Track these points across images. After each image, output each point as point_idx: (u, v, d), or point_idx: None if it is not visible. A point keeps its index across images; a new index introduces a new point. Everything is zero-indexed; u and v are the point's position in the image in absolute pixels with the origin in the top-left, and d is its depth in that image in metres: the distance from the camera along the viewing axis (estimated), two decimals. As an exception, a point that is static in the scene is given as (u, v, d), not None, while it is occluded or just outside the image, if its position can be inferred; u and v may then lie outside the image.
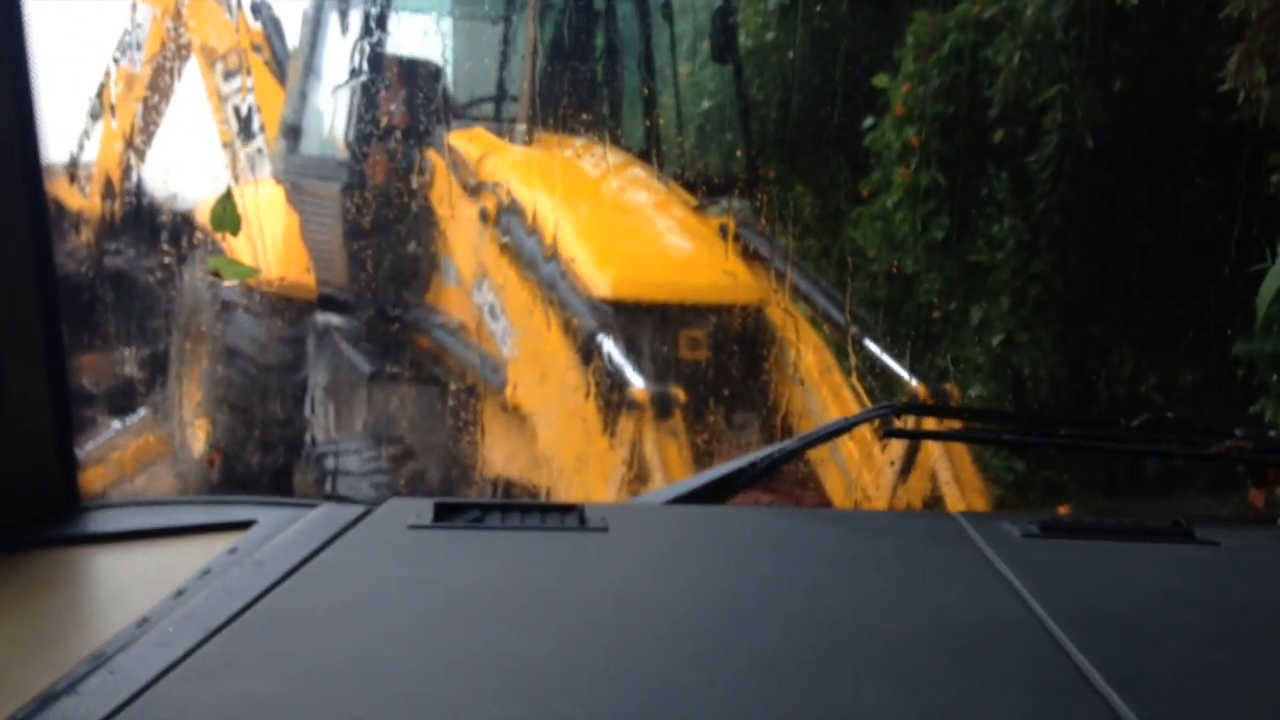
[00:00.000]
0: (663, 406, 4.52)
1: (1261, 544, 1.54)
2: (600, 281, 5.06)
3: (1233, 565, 1.38)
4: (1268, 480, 1.69)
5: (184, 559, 1.26)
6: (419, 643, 1.00)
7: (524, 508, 1.42)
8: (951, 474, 4.62)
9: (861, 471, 4.73)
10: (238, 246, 5.74)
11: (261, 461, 6.10)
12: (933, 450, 4.59)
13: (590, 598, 1.14)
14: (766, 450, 1.59)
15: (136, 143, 6.22)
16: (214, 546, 1.30)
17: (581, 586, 1.17)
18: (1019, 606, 1.14)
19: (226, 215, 2.15)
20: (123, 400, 6.17)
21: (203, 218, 5.83)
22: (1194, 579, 1.30)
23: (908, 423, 1.93)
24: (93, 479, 5.25)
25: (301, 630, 1.03)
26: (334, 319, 6.27)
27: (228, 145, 6.67)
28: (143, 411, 6.33)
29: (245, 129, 6.61)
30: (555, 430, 4.98)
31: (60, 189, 5.89)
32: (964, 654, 1.01)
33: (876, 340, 5.40)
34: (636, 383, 4.64)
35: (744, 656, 1.00)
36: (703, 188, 6.28)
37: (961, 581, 1.23)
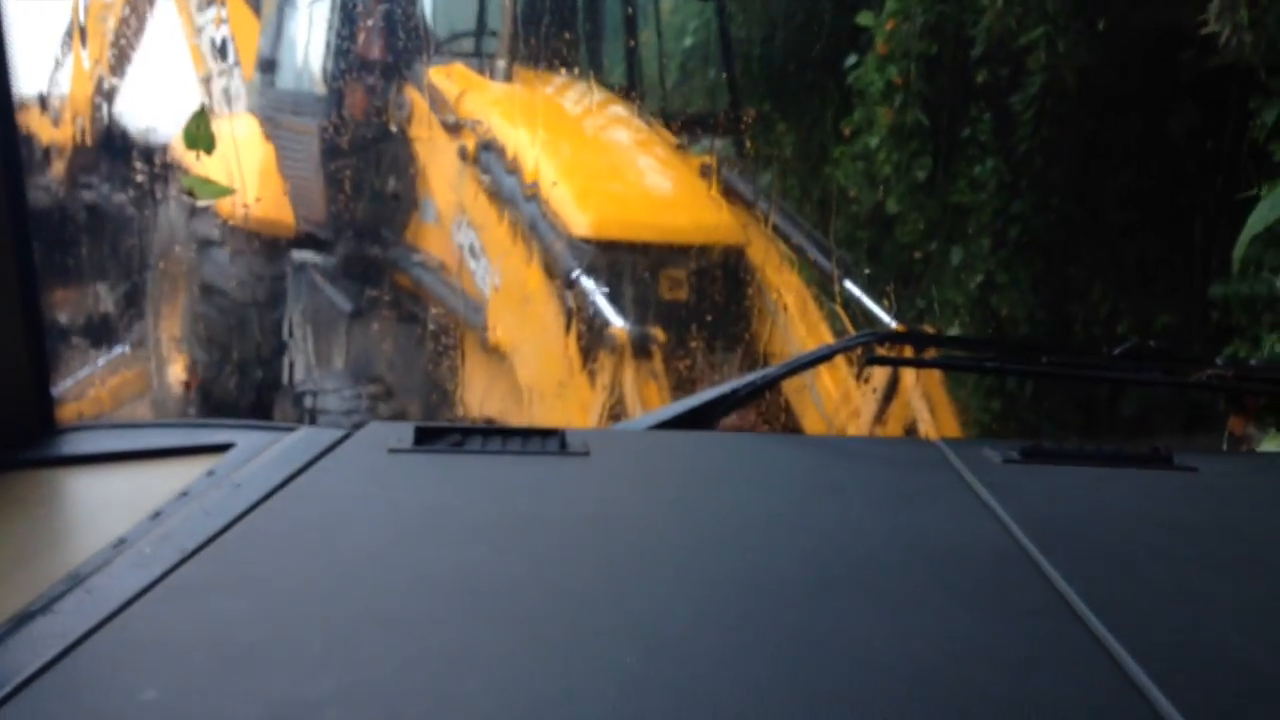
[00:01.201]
0: (642, 347, 4.52)
1: (1239, 470, 1.55)
2: (581, 221, 5.02)
3: (1211, 491, 1.39)
4: (1247, 408, 1.70)
5: (161, 481, 1.25)
6: (398, 564, 1.00)
7: (505, 432, 1.41)
8: (930, 416, 4.64)
9: (839, 411, 4.74)
10: (213, 174, 5.67)
11: (240, 400, 6.08)
12: (909, 384, 4.60)
13: (570, 521, 1.13)
14: (750, 376, 1.58)
15: (110, 74, 6.12)
16: (192, 469, 1.29)
17: (561, 510, 1.17)
18: (999, 531, 1.14)
19: (200, 134, 2.11)
20: (99, 337, 6.13)
21: (178, 152, 5.75)
22: (1172, 504, 1.31)
23: (890, 351, 1.93)
24: (70, 416, 5.22)
25: (280, 551, 1.02)
26: (312, 256, 6.22)
27: (203, 78, 6.56)
28: (118, 349, 6.29)
29: (220, 61, 6.51)
30: (535, 371, 4.97)
31: (32, 120, 5.79)
32: (944, 577, 1.02)
33: (857, 281, 5.40)
34: (617, 323, 4.63)
35: (725, 579, 1.00)
36: (685, 127, 6.23)
37: (942, 506, 1.23)
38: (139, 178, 5.95)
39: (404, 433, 1.38)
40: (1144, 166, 6.14)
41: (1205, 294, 5.54)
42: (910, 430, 4.55)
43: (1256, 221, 4.69)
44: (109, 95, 6.04)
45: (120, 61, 6.20)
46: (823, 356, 1.76)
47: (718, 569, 1.03)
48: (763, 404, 4.56)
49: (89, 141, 5.97)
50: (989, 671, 0.83)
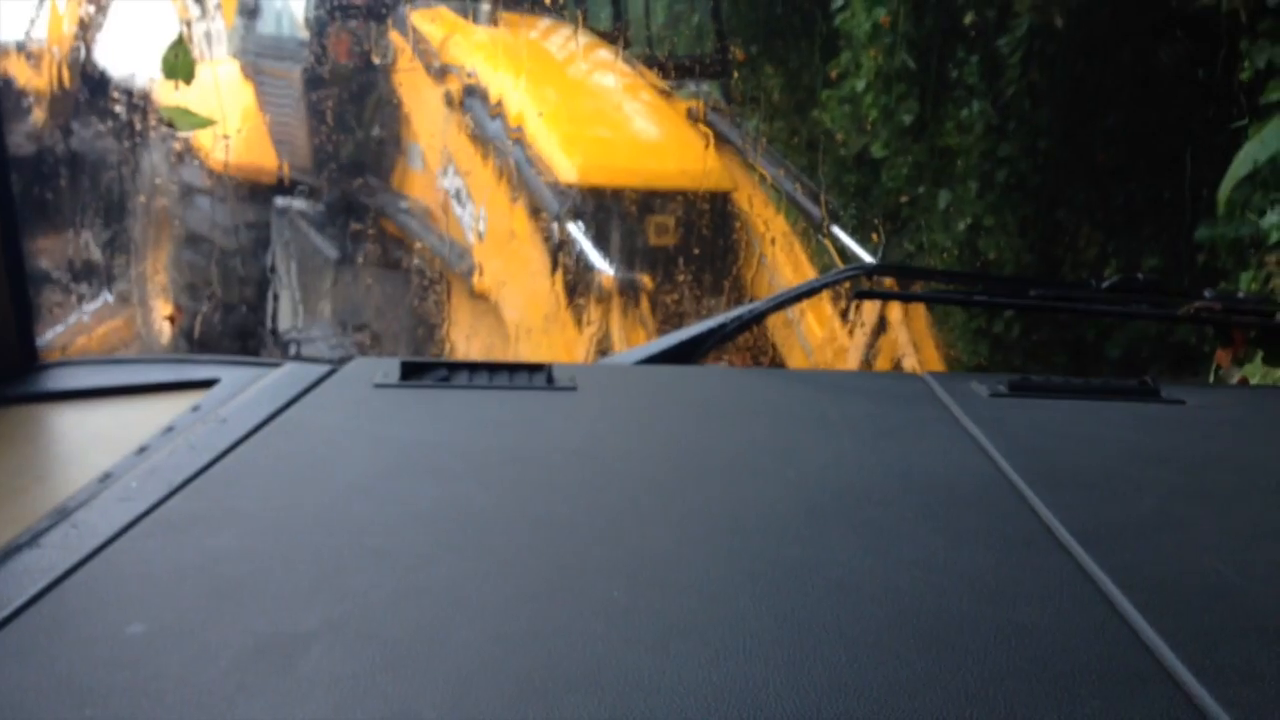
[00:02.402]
0: (630, 294, 4.51)
1: (1227, 402, 1.55)
2: (567, 167, 4.99)
3: (1198, 423, 1.39)
4: (1234, 341, 1.70)
5: (146, 417, 1.24)
6: (384, 498, 0.99)
7: (492, 367, 1.41)
8: (908, 335, 4.62)
9: (825, 350, 4.74)
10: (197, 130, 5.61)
11: (226, 349, 6.05)
12: (895, 322, 4.60)
13: (557, 455, 1.13)
14: (737, 311, 1.58)
15: (90, 20, 6.02)
16: (177, 404, 1.28)
17: (548, 444, 1.17)
18: (986, 463, 1.15)
19: (179, 63, 2.07)
20: (83, 285, 6.08)
21: (160, 99, 5.68)
22: (1159, 436, 1.31)
23: (878, 284, 1.92)
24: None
25: (266, 485, 1.02)
26: (297, 203, 6.17)
27: (184, 22, 6.46)
28: (103, 298, 6.24)
29: (202, 6, 6.41)
30: (522, 317, 4.96)
31: (10, 63, 5.70)
32: (931, 509, 1.02)
33: (843, 226, 5.38)
34: (604, 269, 4.62)
35: (712, 512, 1.01)
36: (672, 71, 6.17)
37: (929, 439, 1.23)
38: (120, 123, 5.87)
39: (390, 368, 1.37)
40: (1132, 108, 6.11)
41: (1191, 237, 5.54)
42: (897, 368, 4.56)
43: (1241, 164, 4.68)
44: (89, 41, 5.95)
45: (99, 6, 6.10)
46: (810, 290, 1.75)
47: (704, 502, 1.03)
48: (749, 343, 4.56)
49: (68, 86, 5.89)
50: (974, 602, 0.84)
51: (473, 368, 1.40)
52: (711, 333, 1.57)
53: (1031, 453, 1.18)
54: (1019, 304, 1.72)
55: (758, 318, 1.59)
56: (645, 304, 4.54)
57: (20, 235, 1.39)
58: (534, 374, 1.39)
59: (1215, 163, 4.98)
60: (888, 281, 2.16)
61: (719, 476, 1.11)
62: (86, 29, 5.93)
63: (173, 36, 2.05)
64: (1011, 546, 0.95)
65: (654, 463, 1.14)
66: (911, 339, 4.62)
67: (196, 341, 6.01)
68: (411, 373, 1.37)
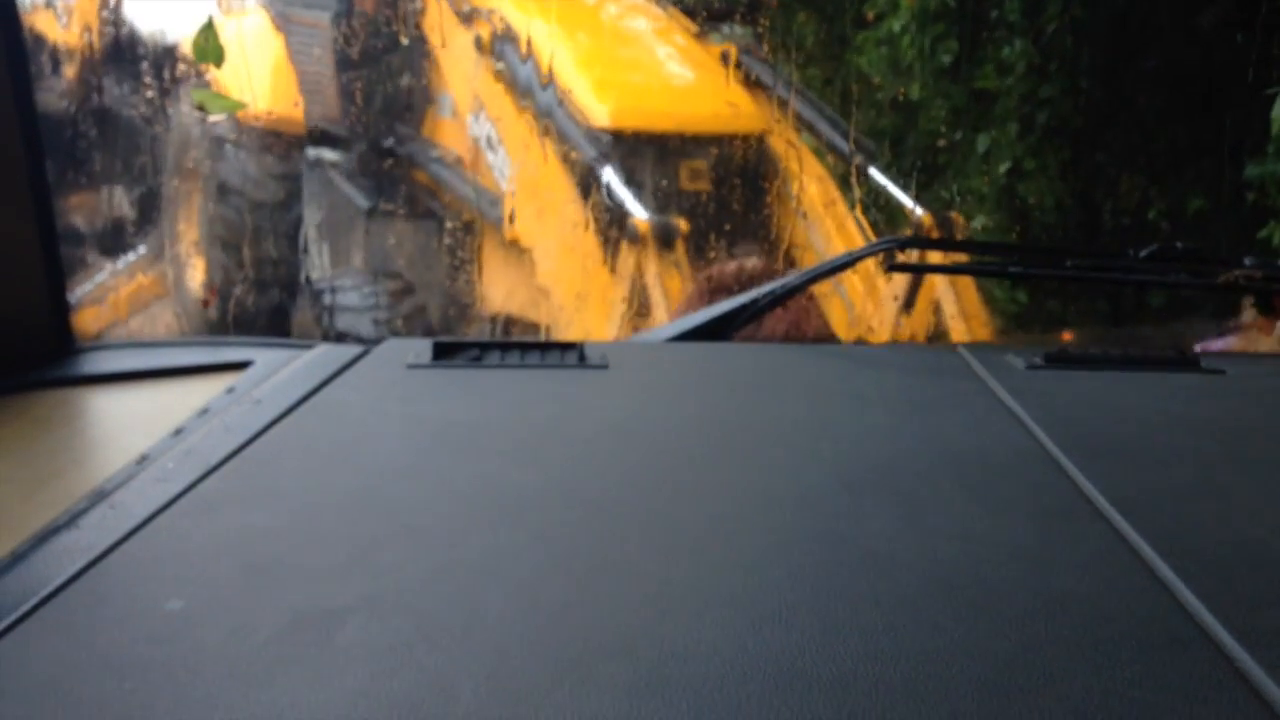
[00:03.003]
0: (665, 237, 4.48)
1: (1268, 372, 1.53)
2: (599, 111, 4.95)
3: (1238, 392, 1.38)
4: (1275, 308, 1.67)
5: (182, 399, 1.25)
6: (418, 476, 1.00)
7: (523, 346, 1.41)
8: (957, 308, 4.61)
9: (865, 304, 4.72)
10: (225, 80, 5.60)
11: (258, 300, 6.09)
12: (937, 283, 4.56)
13: (590, 433, 1.13)
14: (769, 286, 1.56)
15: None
16: (212, 386, 1.29)
17: (581, 422, 1.17)
18: (1022, 434, 1.14)
19: (209, 46, 2.07)
20: (115, 241, 6.12)
21: (189, 50, 5.68)
22: (1198, 405, 1.30)
23: (912, 256, 1.89)
24: (89, 320, 5.25)
25: (301, 466, 1.03)
26: (327, 154, 6.17)
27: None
28: (135, 253, 6.29)
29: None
30: (555, 264, 4.96)
31: (39, 20, 5.71)
32: (968, 481, 1.01)
33: (881, 169, 5.32)
34: (638, 214, 4.59)
35: (746, 486, 1.00)
36: (704, 14, 6.09)
37: (965, 412, 1.22)
38: (149, 79, 5.88)
39: (422, 348, 1.38)
40: (1175, 48, 5.98)
41: (1238, 177, 5.44)
42: (937, 330, 4.53)
43: None
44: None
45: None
46: (843, 264, 1.73)
47: (739, 477, 1.03)
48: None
49: (97, 42, 5.90)
50: (1012, 570, 0.83)
51: (504, 347, 1.40)
52: (744, 308, 1.55)
53: (1069, 423, 1.17)
54: (1055, 274, 1.70)
55: (790, 292, 1.57)
56: (680, 248, 4.52)
57: (55, 217, 1.39)
58: (566, 352, 1.39)
59: (1258, 108, 4.88)
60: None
61: (754, 451, 1.10)
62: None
63: (202, 21, 2.04)
64: (1050, 516, 0.94)
65: (688, 438, 1.14)
66: (952, 285, 4.58)
67: (229, 296, 6.05)
68: (443, 353, 1.37)
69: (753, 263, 1.90)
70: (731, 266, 1.88)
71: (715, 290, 1.85)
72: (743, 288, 1.83)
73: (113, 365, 1.44)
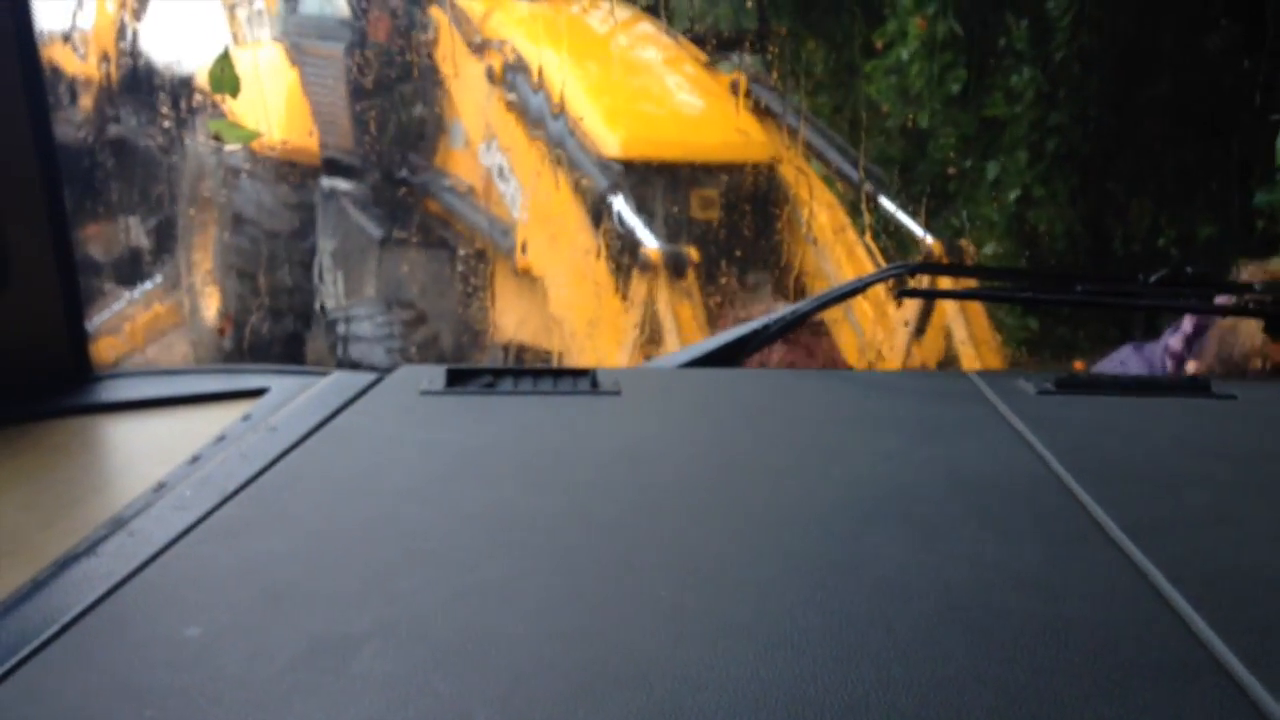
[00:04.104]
0: (676, 266, 4.50)
1: (1279, 396, 1.52)
2: (610, 140, 4.98)
3: (1250, 417, 1.37)
4: None
5: (198, 426, 1.26)
6: (433, 502, 1.00)
7: (536, 373, 1.41)
8: (967, 333, 4.61)
9: (876, 330, 4.72)
10: (240, 110, 5.65)
11: (273, 329, 6.12)
12: (948, 309, 4.56)
13: (603, 458, 1.13)
14: (780, 312, 1.57)
15: (133, 3, 6.07)
16: (228, 414, 1.30)
17: (594, 448, 1.17)
18: (1034, 460, 1.14)
19: (225, 76, 2.09)
20: (131, 270, 6.16)
21: (204, 81, 5.73)
22: (1210, 431, 1.29)
23: (922, 282, 1.90)
24: (105, 350, 5.27)
25: (317, 492, 1.03)
26: (341, 183, 6.21)
27: (227, 5, 6.50)
28: (151, 282, 6.32)
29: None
30: (567, 293, 4.97)
31: (56, 53, 5.77)
32: (979, 506, 1.01)
33: (891, 197, 5.33)
34: (649, 242, 4.61)
35: (759, 511, 1.00)
36: (713, 43, 6.13)
37: (977, 437, 1.22)
38: (165, 109, 5.93)
39: (435, 375, 1.38)
40: (1182, 74, 5.99)
41: (1248, 204, 5.43)
42: (947, 356, 4.53)
43: None
44: (134, 25, 6.00)
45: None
46: (854, 290, 1.74)
47: (752, 503, 1.03)
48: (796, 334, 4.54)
49: (114, 73, 5.96)
50: (1024, 597, 0.83)
51: (517, 374, 1.41)
52: (755, 334, 1.56)
53: (1080, 449, 1.17)
54: (1065, 299, 1.70)
55: (800, 318, 1.58)
56: (691, 276, 4.53)
57: (73, 247, 1.41)
58: (578, 379, 1.39)
59: (1267, 133, 4.88)
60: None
61: (766, 477, 1.11)
62: (132, 14, 5.98)
63: (218, 51, 2.07)
64: (1061, 542, 0.94)
65: (700, 464, 1.14)
66: (962, 311, 4.58)
67: (243, 325, 6.08)
68: (457, 379, 1.38)
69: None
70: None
71: None
72: None
73: (130, 393, 1.44)
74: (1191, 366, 2.05)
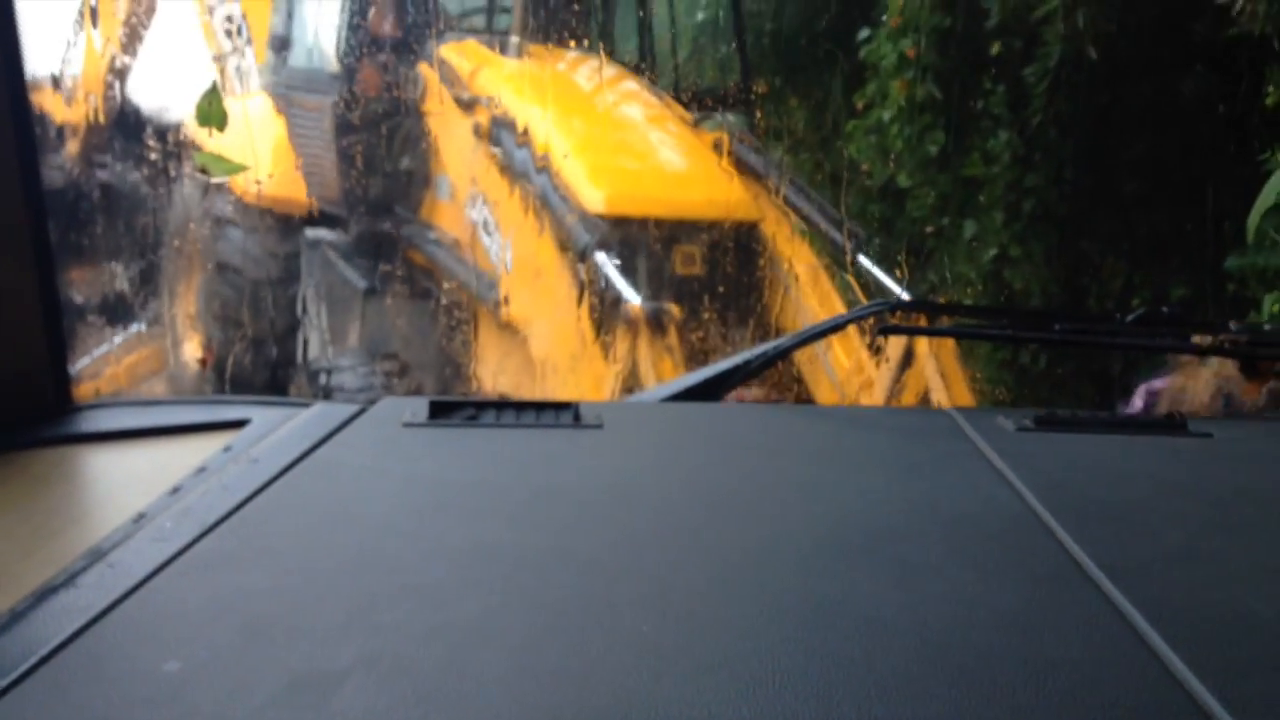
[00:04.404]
0: (657, 323, 4.51)
1: (1254, 435, 1.54)
2: (594, 197, 5.02)
3: (1226, 456, 1.38)
4: (1260, 372, 1.69)
5: (179, 457, 1.26)
6: (415, 536, 1.00)
7: (519, 406, 1.41)
8: (935, 367, 4.60)
9: (851, 380, 4.73)
10: (227, 154, 5.67)
11: (255, 377, 6.09)
12: (922, 355, 4.58)
13: (585, 493, 1.14)
14: (761, 347, 1.58)
15: (122, 53, 6.11)
16: (209, 445, 1.29)
17: (576, 482, 1.17)
18: (1013, 498, 1.14)
19: (212, 110, 2.11)
20: (114, 315, 6.13)
21: (192, 131, 5.75)
22: (1187, 469, 1.30)
23: (902, 320, 1.91)
24: (87, 394, 5.23)
25: (298, 525, 1.03)
26: (326, 234, 6.23)
27: (216, 57, 6.55)
28: (134, 327, 6.29)
29: (233, 40, 6.50)
30: (550, 347, 4.98)
31: (45, 99, 5.79)
32: (959, 544, 1.02)
33: (870, 256, 5.38)
34: (631, 299, 4.63)
35: (740, 548, 1.01)
36: (698, 102, 6.20)
37: (956, 474, 1.23)
38: (153, 156, 5.95)
39: (418, 407, 1.38)
40: (1157, 137, 6.09)
41: (1220, 266, 5.50)
42: (924, 401, 4.54)
43: (1271, 190, 4.65)
44: (121, 74, 6.04)
45: (132, 40, 6.19)
46: (835, 326, 1.75)
47: (733, 538, 1.03)
48: (775, 376, 4.55)
49: (102, 120, 5.98)
50: (1002, 635, 0.84)
51: (500, 406, 1.41)
52: (736, 369, 1.57)
53: (1059, 487, 1.18)
54: (1043, 338, 1.72)
55: (782, 354, 1.59)
56: (673, 332, 4.55)
57: (56, 278, 1.41)
58: (561, 412, 1.40)
59: (1240, 193, 4.95)
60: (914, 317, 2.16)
61: (746, 513, 1.11)
62: (120, 61, 6.02)
63: (206, 86, 2.08)
64: (1040, 581, 0.94)
65: (681, 499, 1.14)
66: (940, 371, 4.60)
67: (225, 372, 6.06)
68: (440, 412, 1.38)
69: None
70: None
71: None
72: None
73: (111, 424, 1.44)
74: None
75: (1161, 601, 0.90)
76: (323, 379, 5.81)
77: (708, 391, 1.60)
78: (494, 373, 5.39)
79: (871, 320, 1.71)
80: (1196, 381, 1.98)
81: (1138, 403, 2.16)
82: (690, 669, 0.77)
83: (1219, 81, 5.59)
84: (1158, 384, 2.14)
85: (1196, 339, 1.64)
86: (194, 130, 5.57)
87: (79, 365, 5.43)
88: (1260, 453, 1.43)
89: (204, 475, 1.18)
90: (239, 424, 1.38)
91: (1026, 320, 2.15)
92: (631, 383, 4.48)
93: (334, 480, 1.16)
